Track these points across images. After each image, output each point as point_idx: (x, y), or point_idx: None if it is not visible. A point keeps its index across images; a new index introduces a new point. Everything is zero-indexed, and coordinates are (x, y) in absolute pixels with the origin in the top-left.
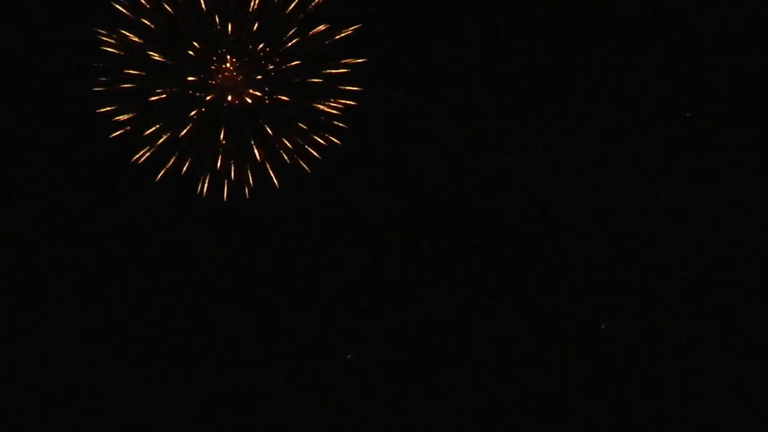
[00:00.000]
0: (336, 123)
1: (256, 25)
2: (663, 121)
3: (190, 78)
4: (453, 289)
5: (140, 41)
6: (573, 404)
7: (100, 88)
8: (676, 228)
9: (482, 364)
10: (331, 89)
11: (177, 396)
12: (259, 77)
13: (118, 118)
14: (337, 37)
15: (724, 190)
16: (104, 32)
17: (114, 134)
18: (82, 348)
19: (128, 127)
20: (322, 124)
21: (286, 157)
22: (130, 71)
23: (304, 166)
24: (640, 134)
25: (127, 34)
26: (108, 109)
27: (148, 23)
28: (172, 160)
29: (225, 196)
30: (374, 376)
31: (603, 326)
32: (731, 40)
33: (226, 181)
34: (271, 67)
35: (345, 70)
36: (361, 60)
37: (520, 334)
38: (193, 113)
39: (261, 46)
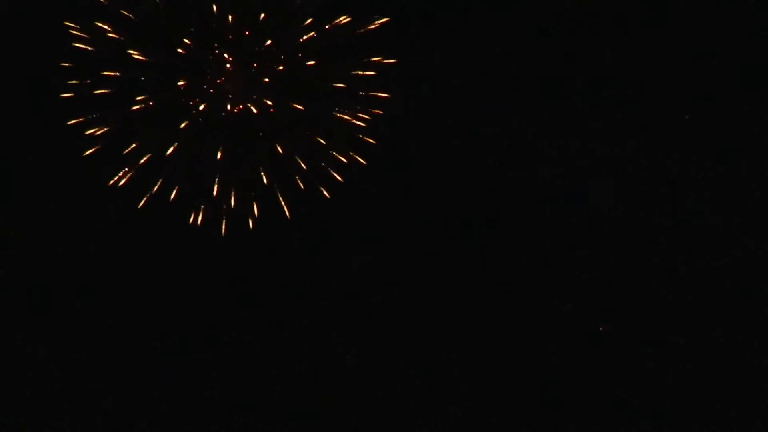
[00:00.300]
0: (362, 137)
1: (261, 16)
2: (663, 124)
3: (180, 82)
4: (453, 292)
5: (118, 36)
6: (571, 405)
7: (70, 94)
8: (675, 229)
9: (481, 365)
10: (354, 95)
11: (179, 398)
12: (266, 80)
13: (91, 131)
14: (361, 31)
15: (723, 191)
16: (74, 25)
17: (87, 152)
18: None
19: (100, 145)
20: (344, 138)
21: (299, 181)
22: (106, 73)
23: (323, 191)
24: (639, 137)
25: (103, 26)
26: (79, 120)
27: (128, 14)
28: (158, 184)
29: (223, 229)
30: (372, 378)
31: (601, 328)
32: (731, 43)
33: (224, 211)
34: (281, 68)
35: (371, 73)
36: (391, 60)
37: (519, 335)
38: (183, 125)
39: (268, 42)
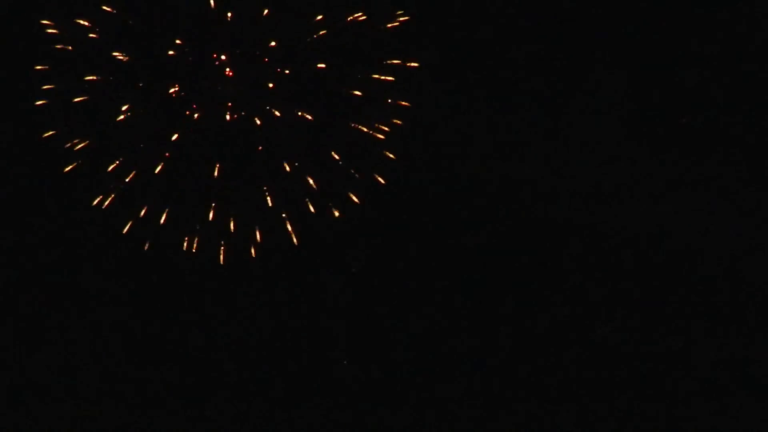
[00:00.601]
0: (382, 152)
1: (265, 12)
2: (662, 124)
3: (171, 88)
4: (452, 293)
5: (101, 36)
6: (569, 407)
7: (44, 101)
8: (676, 230)
9: (480, 366)
10: (371, 104)
11: (176, 399)
12: (270, 85)
13: (70, 144)
14: (382, 29)
15: (724, 192)
16: (50, 23)
17: (66, 169)
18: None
19: (81, 160)
20: (361, 153)
21: (310, 205)
22: (88, 78)
23: (336, 213)
24: (639, 140)
25: (83, 23)
26: (55, 132)
27: (112, 10)
28: (144, 208)
29: (221, 257)
30: (370, 382)
31: (598, 331)
32: (732, 43)
33: (222, 237)
34: (287, 71)
35: (389, 78)
36: (413, 64)
37: (518, 337)
38: (174, 138)
39: (273, 43)
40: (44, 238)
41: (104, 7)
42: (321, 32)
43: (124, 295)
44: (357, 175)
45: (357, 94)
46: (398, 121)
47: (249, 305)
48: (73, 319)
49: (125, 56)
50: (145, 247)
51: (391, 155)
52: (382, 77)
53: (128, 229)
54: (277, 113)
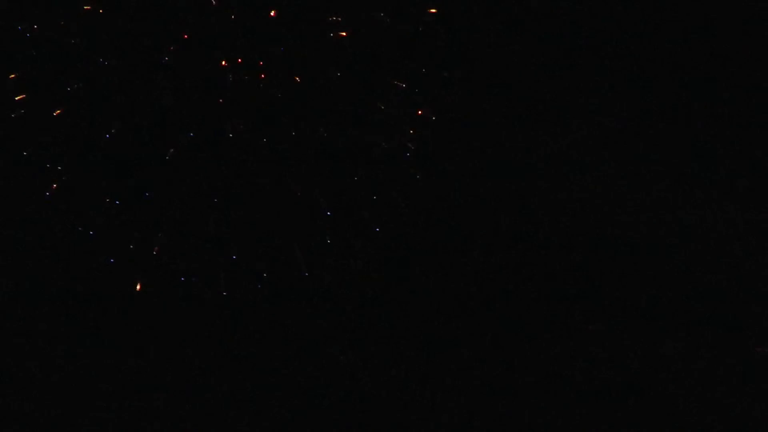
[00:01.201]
0: (406, 169)
1: (273, 12)
2: (660, 128)
3: (163, 99)
4: (447, 293)
5: (82, 39)
6: (565, 408)
7: (17, 114)
8: (674, 233)
9: (475, 366)
10: (394, 117)
11: (173, 400)
12: (279, 95)
13: (49, 165)
14: (406, 32)
15: (724, 195)
16: (26, 25)
17: (47, 192)
18: None
19: (61, 183)
20: (380, 175)
21: (327, 238)
22: (69, 87)
23: (352, 239)
24: (634, 139)
25: (62, 24)
26: (31, 149)
27: (95, 8)
28: (131, 243)
29: (222, 291)
30: (367, 378)
31: (590, 327)
32: (734, 45)
33: (221, 269)
34: (298, 79)
35: (414, 89)
36: (442, 72)
37: (515, 336)
38: (167, 157)
39: (281, 47)
40: (19, 276)
41: (86, 6)
42: (341, 33)
43: (113, 339)
44: (375, 197)
45: (378, 107)
46: (425, 137)
47: (253, 340)
48: (55, 362)
49: (111, 62)
50: (137, 288)
51: (417, 174)
52: (407, 87)
53: (114, 263)
54: (286, 128)
